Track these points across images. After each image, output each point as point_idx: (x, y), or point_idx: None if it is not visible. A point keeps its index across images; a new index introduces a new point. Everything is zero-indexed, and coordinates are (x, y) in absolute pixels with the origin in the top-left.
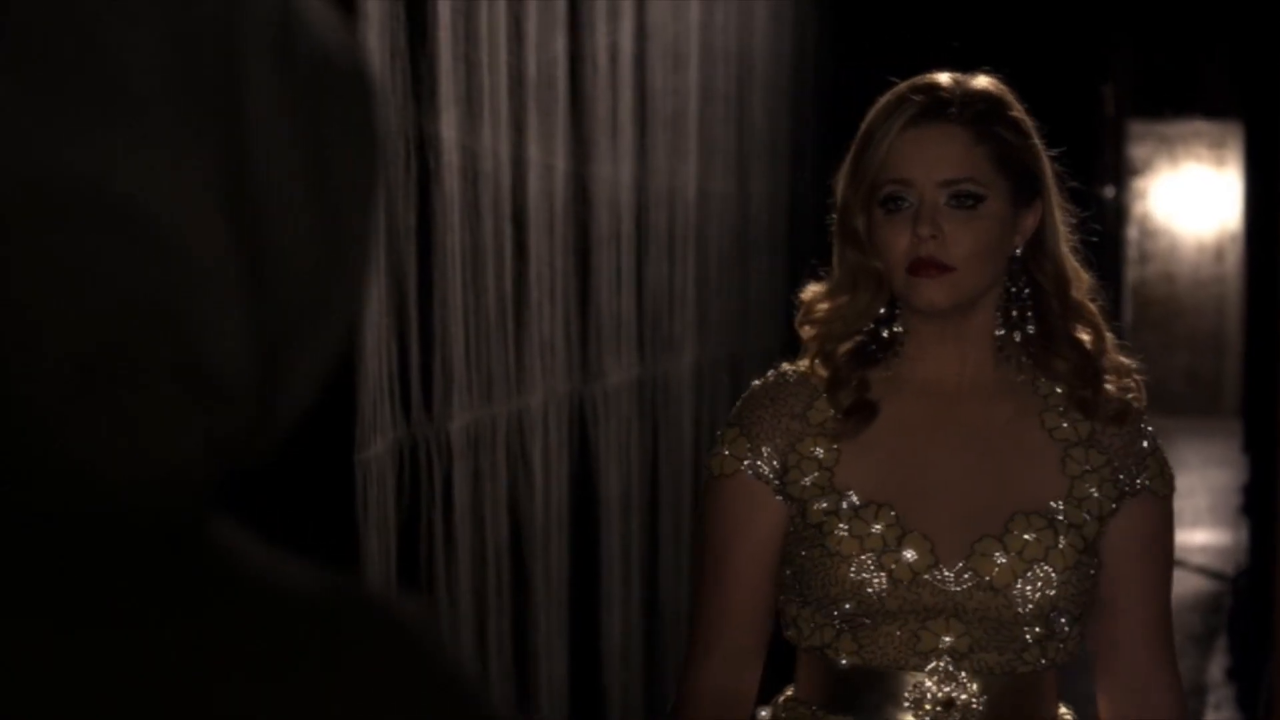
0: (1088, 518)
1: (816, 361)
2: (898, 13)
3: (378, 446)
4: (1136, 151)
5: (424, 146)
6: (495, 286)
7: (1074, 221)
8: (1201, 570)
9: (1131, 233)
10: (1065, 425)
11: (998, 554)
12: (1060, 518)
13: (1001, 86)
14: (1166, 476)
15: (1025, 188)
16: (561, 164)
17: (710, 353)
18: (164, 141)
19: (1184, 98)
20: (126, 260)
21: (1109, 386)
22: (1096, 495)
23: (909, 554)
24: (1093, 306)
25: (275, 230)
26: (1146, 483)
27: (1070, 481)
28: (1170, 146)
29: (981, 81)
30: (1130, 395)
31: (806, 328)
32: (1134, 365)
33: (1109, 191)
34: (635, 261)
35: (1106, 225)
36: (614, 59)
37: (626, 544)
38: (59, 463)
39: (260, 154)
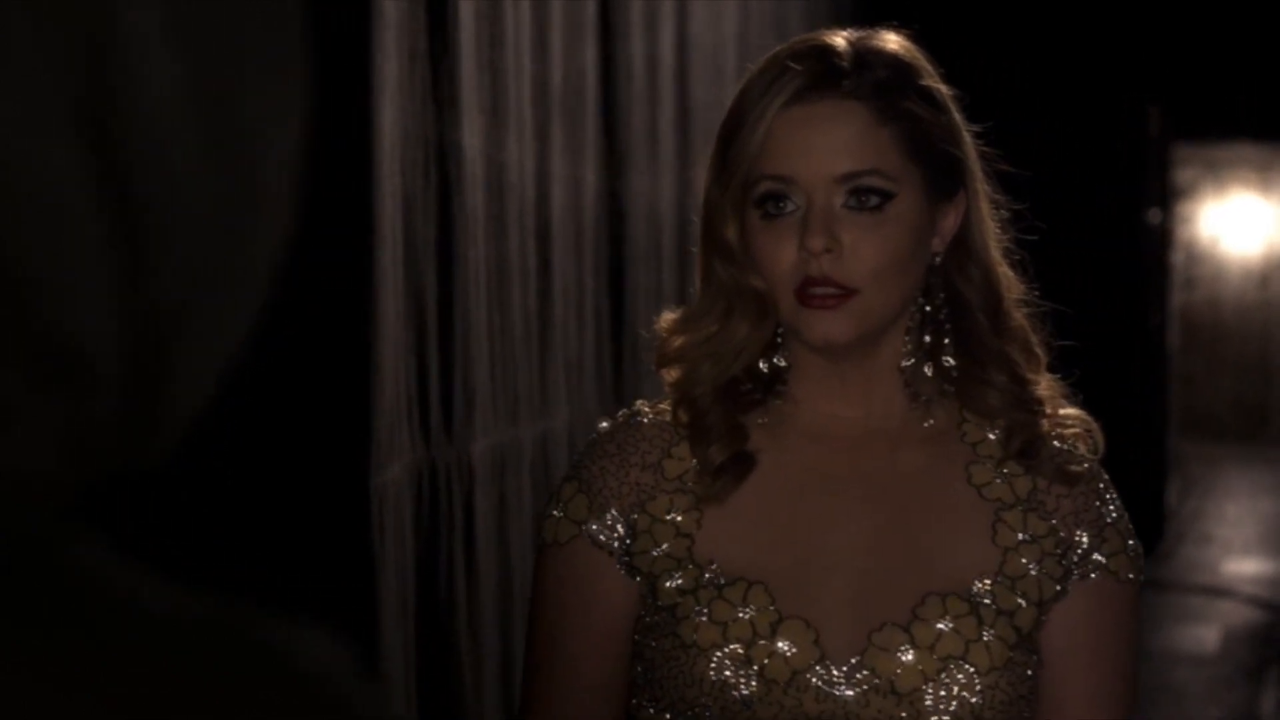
0: (1023, 603)
1: (680, 409)
2: (934, 34)
3: (394, 470)
4: (1182, 175)
5: (445, 155)
6: (520, 303)
7: (1006, 215)
8: (1252, 601)
9: (1177, 258)
10: (999, 481)
11: (903, 649)
12: (987, 601)
13: (911, 47)
14: (1132, 555)
15: (944, 177)
16: (592, 177)
17: None
18: (10, 64)
19: (1231, 122)
20: None
21: (1054, 431)
22: (1035, 573)
23: (785, 646)
24: (1025, 322)
25: (158, 172)
26: (1102, 560)
27: (1002, 554)
28: (1216, 171)
29: (885, 41)
30: (1079, 445)
31: (669, 370)
32: (1079, 412)
33: (1154, 215)
34: (678, 279)
35: (1152, 250)
36: (652, 70)
37: None
38: None
39: (136, 77)
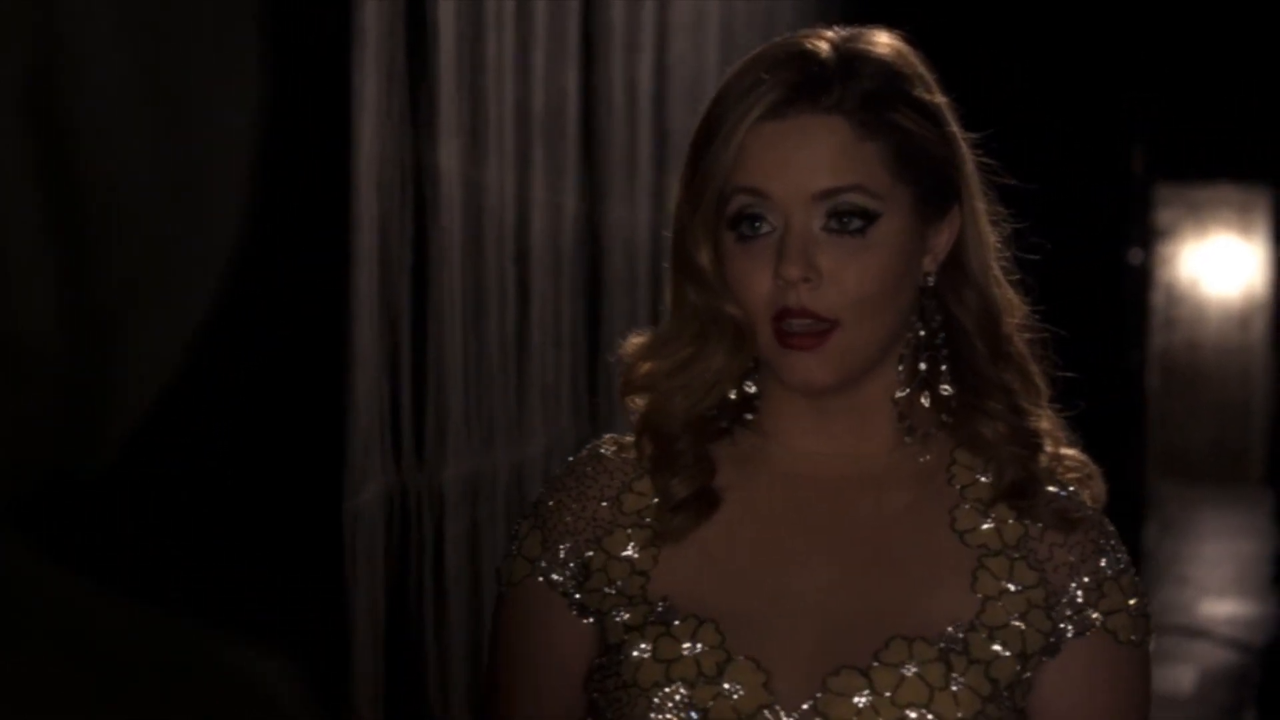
0: (1002, 652)
1: (644, 438)
2: None
3: (368, 494)
4: (1163, 216)
5: (421, 177)
6: (497, 328)
7: (1007, 232)
8: (1229, 642)
9: (1157, 298)
10: (986, 526)
11: (860, 693)
12: (958, 647)
13: (904, 49)
14: (1134, 614)
15: (936, 193)
16: (571, 203)
17: None
18: None
19: (1212, 163)
20: None
21: (1054, 472)
22: (1019, 625)
23: (732, 688)
24: (1025, 349)
25: (104, 162)
26: (1098, 618)
27: (981, 603)
28: (1197, 212)
29: (874, 45)
30: (1080, 489)
31: (633, 399)
32: (1080, 455)
33: (1135, 255)
34: (652, 306)
35: (1132, 290)
36: (632, 97)
37: None
38: None
39: (78, 59)
